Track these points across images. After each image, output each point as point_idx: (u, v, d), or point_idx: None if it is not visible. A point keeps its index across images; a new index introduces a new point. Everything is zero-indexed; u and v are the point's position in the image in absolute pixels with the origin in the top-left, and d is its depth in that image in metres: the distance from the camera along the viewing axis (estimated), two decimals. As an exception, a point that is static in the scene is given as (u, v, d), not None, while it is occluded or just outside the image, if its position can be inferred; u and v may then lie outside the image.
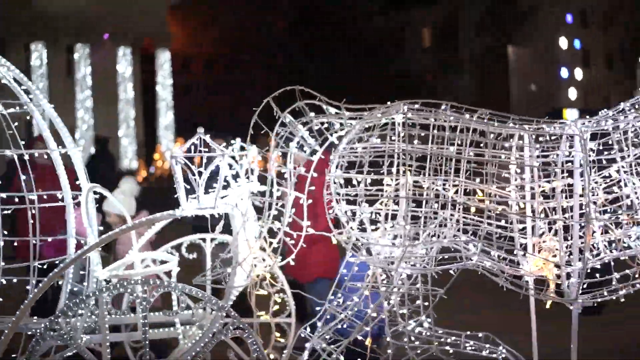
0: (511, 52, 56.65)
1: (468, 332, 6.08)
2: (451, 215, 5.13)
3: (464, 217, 5.19)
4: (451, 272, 5.27)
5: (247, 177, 5.83)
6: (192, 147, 4.59)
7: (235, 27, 51.75)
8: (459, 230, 5.29)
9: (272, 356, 6.64)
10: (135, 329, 6.24)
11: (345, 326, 5.46)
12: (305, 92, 5.22)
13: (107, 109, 43.51)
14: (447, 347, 6.04)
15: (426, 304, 6.01)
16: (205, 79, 53.50)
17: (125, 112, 44.64)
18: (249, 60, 50.96)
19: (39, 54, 42.01)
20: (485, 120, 5.17)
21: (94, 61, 43.40)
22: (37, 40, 41.56)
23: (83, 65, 43.40)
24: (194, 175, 4.49)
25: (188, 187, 4.65)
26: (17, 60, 41.32)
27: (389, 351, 5.91)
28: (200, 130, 4.65)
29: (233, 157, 6.75)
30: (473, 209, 5.28)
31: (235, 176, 6.61)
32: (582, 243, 4.95)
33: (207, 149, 4.60)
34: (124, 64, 44.93)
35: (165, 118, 46.11)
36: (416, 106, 5.06)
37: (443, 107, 5.06)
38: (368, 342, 5.43)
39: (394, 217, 5.25)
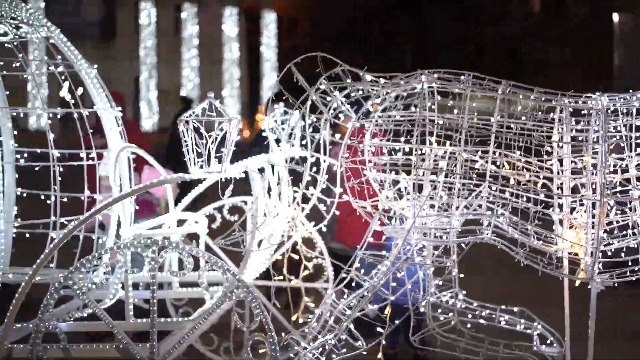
0: (617, 19, 54.01)
1: (503, 307, 5.97)
2: (489, 186, 5.00)
3: (500, 190, 5.07)
4: (462, 245, 5.16)
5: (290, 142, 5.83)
6: (202, 112, 4.62)
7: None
8: (493, 203, 5.17)
9: (301, 320, 6.69)
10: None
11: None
12: (327, 59, 5.15)
13: (212, 69, 44.32)
14: (481, 320, 5.96)
15: (462, 275, 5.93)
16: (310, 40, 53.62)
17: (230, 72, 45.39)
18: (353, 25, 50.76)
19: (147, 13, 43.01)
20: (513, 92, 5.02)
21: (201, 20, 44.22)
22: (147, -1, 42.66)
23: (190, 25, 44.27)
24: (202, 139, 4.53)
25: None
26: (127, 18, 42.48)
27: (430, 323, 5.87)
28: (211, 94, 4.67)
29: (276, 122, 6.77)
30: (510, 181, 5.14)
31: (278, 141, 6.63)
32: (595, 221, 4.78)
33: (216, 114, 4.62)
34: (230, 24, 45.55)
35: (269, 79, 46.60)
36: (435, 75, 4.94)
37: (463, 77, 4.93)
38: (387, 311, 5.37)
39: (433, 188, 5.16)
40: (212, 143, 4.55)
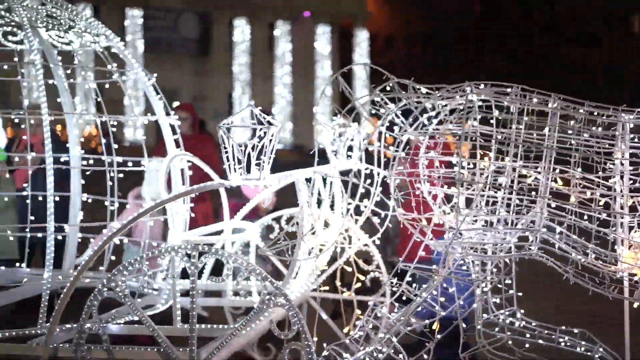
0: None
1: (563, 327, 5.79)
2: (548, 204, 4.88)
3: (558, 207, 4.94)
4: (506, 260, 5.03)
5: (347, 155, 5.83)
6: (241, 119, 4.65)
7: (433, 7, 51.41)
8: (551, 220, 5.04)
9: (352, 333, 6.61)
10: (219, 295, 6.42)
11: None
12: (376, 71, 5.13)
13: (305, 86, 44.70)
14: (540, 341, 5.79)
15: (520, 294, 5.78)
16: (403, 58, 53.63)
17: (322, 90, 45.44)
18: (446, 41, 50.51)
19: (241, 30, 43.73)
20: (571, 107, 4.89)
21: (294, 38, 44.69)
22: (241, 16, 43.24)
23: (283, 42, 44.80)
24: (240, 147, 4.55)
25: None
26: (222, 34, 43.32)
27: (481, 341, 5.74)
28: (251, 102, 4.69)
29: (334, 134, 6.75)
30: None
31: (336, 152, 6.61)
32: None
33: (256, 122, 4.63)
34: (323, 41, 45.89)
35: (361, 96, 46.37)
36: (482, 86, 4.85)
37: (509, 90, 4.82)
38: (436, 326, 5.28)
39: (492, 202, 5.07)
40: (252, 150, 4.56)
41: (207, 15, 41.63)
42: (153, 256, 4.86)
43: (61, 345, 4.91)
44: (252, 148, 4.60)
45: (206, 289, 6.43)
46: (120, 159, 6.19)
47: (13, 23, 5.54)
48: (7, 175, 7.55)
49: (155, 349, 4.82)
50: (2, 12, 5.52)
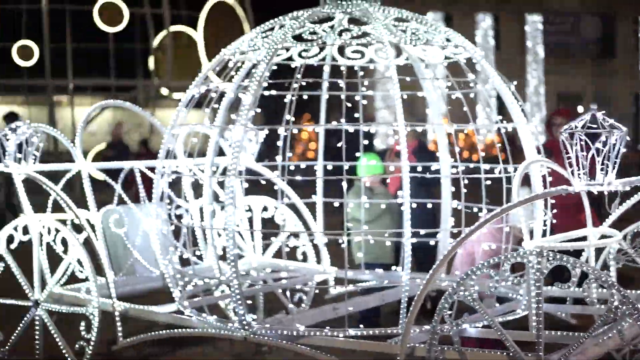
0: None
1: None
2: None
3: None
4: None
5: None
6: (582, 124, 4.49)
7: None
8: None
9: None
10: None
11: None
12: None
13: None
14: None
15: None
16: None
17: None
18: None
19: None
20: None
21: None
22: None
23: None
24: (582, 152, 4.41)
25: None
26: (626, 34, 41.21)
27: None
28: (593, 106, 4.51)
29: None
30: None
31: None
32: None
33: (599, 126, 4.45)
34: None
35: None
36: None
37: None
38: None
39: None
40: (597, 155, 4.42)
41: (609, 16, 40.05)
42: (498, 262, 4.92)
43: (417, 345, 5.17)
44: (597, 153, 4.46)
45: (573, 295, 6.29)
46: (487, 166, 6.32)
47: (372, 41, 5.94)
48: (382, 185, 8.09)
49: (505, 353, 4.87)
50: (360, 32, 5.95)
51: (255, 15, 22.45)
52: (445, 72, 6.58)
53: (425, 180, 7.79)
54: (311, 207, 7.53)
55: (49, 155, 20.12)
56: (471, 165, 6.54)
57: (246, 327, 5.51)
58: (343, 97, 5.99)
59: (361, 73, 6.57)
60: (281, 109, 6.18)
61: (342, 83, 5.70)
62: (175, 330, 5.97)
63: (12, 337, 6.44)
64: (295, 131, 27.18)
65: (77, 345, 6.28)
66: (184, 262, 6.90)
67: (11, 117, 15.26)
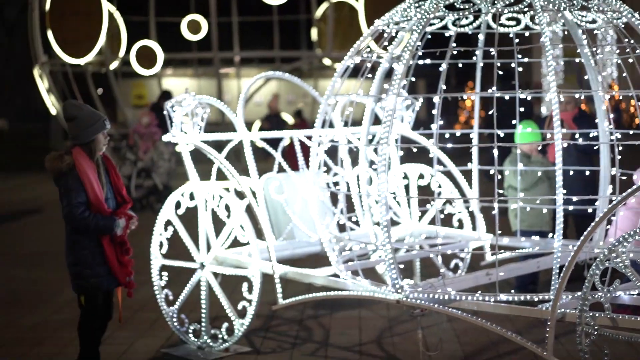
0: None
1: None
2: None
3: None
4: None
5: None
6: None
7: None
8: None
9: None
10: None
11: None
12: None
13: None
14: None
15: None
16: None
17: None
18: None
19: None
20: None
21: None
22: None
23: None
24: None
25: None
26: None
27: None
28: None
29: None
30: None
31: None
32: None
33: None
34: None
35: None
36: None
37: None
38: None
39: None
40: None
41: None
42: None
43: (568, 311, 5.16)
44: None
45: None
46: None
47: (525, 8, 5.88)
48: (539, 152, 7.99)
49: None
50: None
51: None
52: (611, 37, 6.42)
53: (586, 148, 7.65)
54: (468, 174, 7.58)
55: (217, 126, 20.96)
56: (631, 132, 6.37)
57: (399, 291, 5.66)
58: (497, 65, 5.97)
59: (517, 40, 6.51)
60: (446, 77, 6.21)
61: (493, 51, 5.68)
62: (332, 292, 6.20)
63: (181, 297, 6.87)
64: (458, 99, 26.95)
65: (240, 306, 6.64)
66: (341, 227, 7.13)
67: (165, 96, 16.03)
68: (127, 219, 5.67)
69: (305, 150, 7.11)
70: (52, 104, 21.40)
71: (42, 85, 21.50)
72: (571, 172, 7.21)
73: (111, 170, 5.76)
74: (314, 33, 24.66)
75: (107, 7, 19.14)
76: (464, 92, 22.32)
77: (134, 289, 5.78)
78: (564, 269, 5.12)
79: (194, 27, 22.80)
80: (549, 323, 5.11)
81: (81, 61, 19.58)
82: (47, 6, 19.26)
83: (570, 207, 6.29)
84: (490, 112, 5.93)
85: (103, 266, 5.60)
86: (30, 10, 21.81)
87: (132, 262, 5.76)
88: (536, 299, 5.46)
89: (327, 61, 24.02)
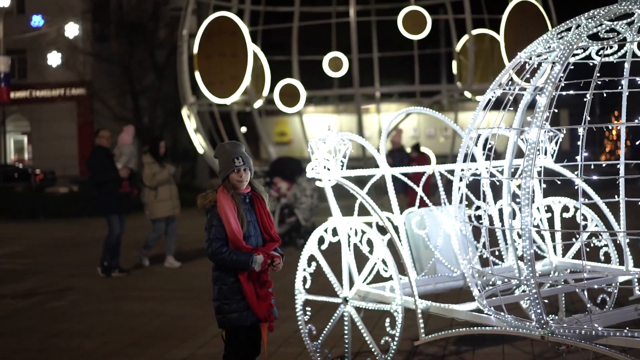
0: None
1: None
2: None
3: None
4: None
5: None
6: None
7: None
8: None
9: None
10: None
11: None
12: None
13: None
14: None
15: None
16: None
17: None
18: None
19: None
20: None
21: None
22: None
23: None
24: None
25: None
26: None
27: None
28: None
29: None
30: None
31: None
32: None
33: None
34: None
35: None
36: None
37: None
38: None
39: None
40: None
41: None
42: None
43: None
44: None
45: None
46: None
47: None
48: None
49: None
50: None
51: (558, 13, 21.97)
52: None
53: None
54: (615, 206, 7.37)
55: (357, 161, 21.16)
56: None
57: (544, 326, 5.56)
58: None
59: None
60: (589, 109, 6.11)
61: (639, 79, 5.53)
62: (475, 328, 6.15)
63: (324, 332, 6.97)
64: (604, 129, 26.14)
65: (382, 341, 6.67)
66: (484, 262, 7.06)
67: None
68: (265, 255, 5.63)
69: (447, 184, 7.12)
70: (199, 143, 22.23)
71: (190, 125, 22.38)
72: None
73: (259, 208, 5.79)
74: (454, 66, 24.60)
75: (252, 48, 19.76)
76: (610, 121, 21.64)
77: (274, 321, 5.78)
78: None
79: (336, 64, 23.20)
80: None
81: (227, 101, 20.29)
82: (195, 49, 20.09)
83: None
84: (638, 142, 5.76)
85: (242, 302, 5.63)
86: (179, 54, 22.83)
87: (272, 295, 5.73)
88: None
89: (467, 94, 23.88)
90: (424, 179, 7.38)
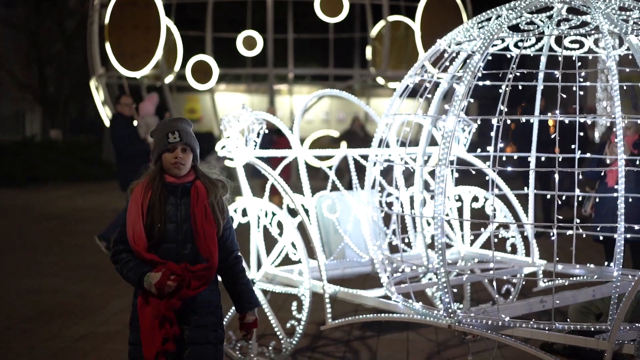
0: None
1: None
2: None
3: None
4: None
5: None
6: None
7: None
8: None
9: None
10: None
11: None
12: None
13: None
14: None
15: None
16: None
17: None
18: None
19: None
20: None
21: None
22: None
23: None
24: None
25: None
26: None
27: None
28: None
29: None
30: None
31: None
32: None
33: None
34: None
35: None
36: None
37: None
38: None
39: None
40: None
41: None
42: None
43: (625, 342, 5.00)
44: None
45: None
46: None
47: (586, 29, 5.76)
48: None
49: None
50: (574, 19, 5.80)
51: (474, 4, 22.23)
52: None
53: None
54: (523, 198, 7.45)
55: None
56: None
57: (451, 315, 5.55)
58: (559, 88, 5.85)
59: (579, 63, 6.39)
60: (497, 99, 6.13)
61: (558, 74, 5.56)
62: (382, 314, 6.11)
63: (229, 313, 6.84)
64: (509, 122, 26.76)
65: (288, 324, 6.58)
66: (393, 248, 7.04)
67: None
68: (166, 272, 4.12)
69: (359, 169, 7.06)
70: (106, 115, 21.68)
71: (98, 97, 21.80)
72: (630, 199, 7.03)
73: (196, 206, 4.25)
74: (368, 51, 24.66)
75: (165, 22, 19.34)
76: (516, 114, 22.06)
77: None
78: (623, 299, 4.97)
79: (250, 43, 22.94)
80: (605, 355, 4.96)
81: (137, 74, 19.81)
82: (107, 19, 19.55)
83: (628, 235, 6.12)
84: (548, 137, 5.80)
85: (137, 332, 4.25)
86: (90, 23, 22.18)
87: (173, 330, 4.20)
88: (593, 329, 5.30)
89: (380, 80, 23.99)
90: (336, 162, 7.31)
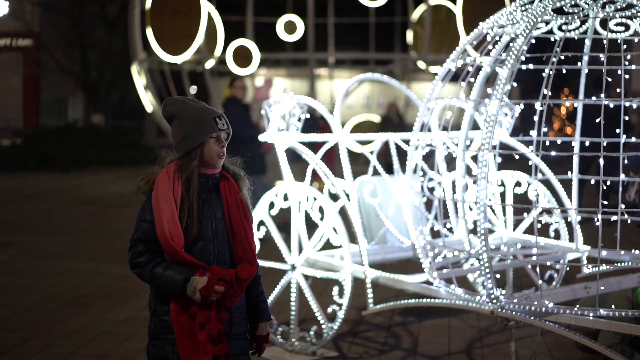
0: None
1: None
2: None
3: None
4: None
5: None
6: None
7: None
8: None
9: None
10: None
11: None
12: None
13: None
14: None
15: None
16: None
17: None
18: None
19: None
20: None
21: None
22: None
23: None
24: None
25: None
26: None
27: None
28: None
29: None
30: None
31: None
32: None
33: None
34: None
35: None
36: None
37: None
38: None
39: None
40: None
41: None
42: None
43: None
44: None
45: None
46: None
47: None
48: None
49: None
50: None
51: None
52: None
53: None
54: (567, 183, 7.36)
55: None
56: None
57: (494, 301, 5.51)
58: (604, 71, 5.76)
59: (624, 46, 6.27)
60: (539, 84, 6.06)
61: (603, 57, 5.47)
62: (424, 300, 6.09)
63: (270, 297, 6.86)
64: (551, 106, 26.43)
65: (329, 309, 6.58)
66: (435, 233, 7.00)
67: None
68: (212, 277, 3.60)
69: (402, 153, 7.02)
70: (148, 100, 21.83)
71: (139, 82, 21.95)
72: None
73: (229, 200, 3.76)
74: (409, 36, 24.50)
75: (206, 7, 19.39)
76: (559, 98, 21.79)
77: None
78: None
79: (290, 27, 22.91)
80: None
81: (178, 59, 19.91)
82: (148, 4, 19.65)
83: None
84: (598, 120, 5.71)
85: (171, 345, 3.75)
86: (131, 8, 22.31)
87: (222, 347, 3.70)
88: (638, 314, 5.23)
89: (421, 64, 23.82)
90: (378, 147, 7.29)
